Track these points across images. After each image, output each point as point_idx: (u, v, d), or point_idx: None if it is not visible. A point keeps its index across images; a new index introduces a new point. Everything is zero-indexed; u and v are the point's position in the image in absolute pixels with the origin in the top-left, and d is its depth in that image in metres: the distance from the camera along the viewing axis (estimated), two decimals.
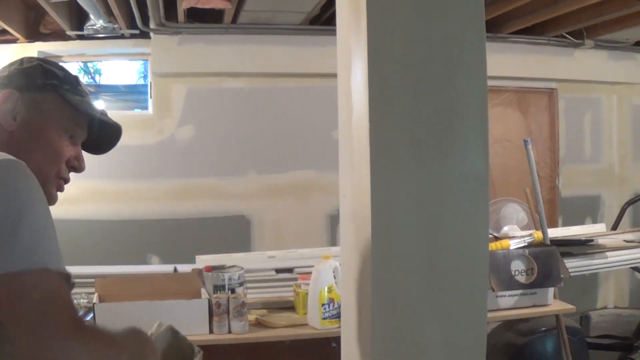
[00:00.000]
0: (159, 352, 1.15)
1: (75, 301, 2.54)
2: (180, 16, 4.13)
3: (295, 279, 2.82)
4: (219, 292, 2.54)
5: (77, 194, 3.95)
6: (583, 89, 5.22)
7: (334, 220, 4.53)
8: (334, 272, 2.54)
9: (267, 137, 4.54)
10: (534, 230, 3.09)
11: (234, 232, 4.47)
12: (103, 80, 5.47)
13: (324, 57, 3.59)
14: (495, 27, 4.50)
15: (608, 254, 3.22)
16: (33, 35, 4.28)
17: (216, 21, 4.29)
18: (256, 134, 4.53)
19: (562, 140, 5.17)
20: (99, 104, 4.65)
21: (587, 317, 4.86)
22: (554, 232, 3.47)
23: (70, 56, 4.53)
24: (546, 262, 2.84)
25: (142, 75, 5.10)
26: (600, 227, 3.97)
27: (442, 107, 1.17)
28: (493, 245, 2.86)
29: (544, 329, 3.15)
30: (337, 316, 2.45)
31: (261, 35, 4.40)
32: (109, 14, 3.96)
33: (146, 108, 4.68)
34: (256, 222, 4.56)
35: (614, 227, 4.13)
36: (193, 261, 3.06)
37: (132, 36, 4.33)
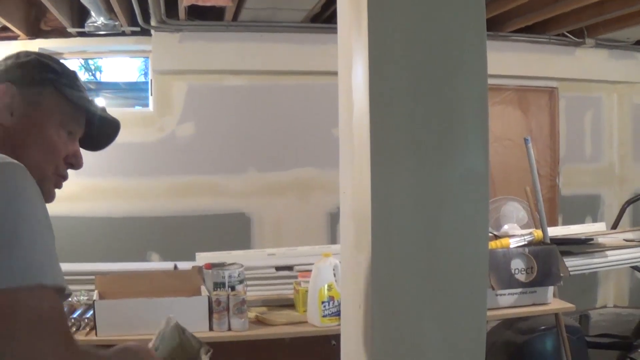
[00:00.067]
0: None
1: (75, 298, 2.54)
2: (181, 13, 4.13)
3: (295, 277, 2.82)
4: (219, 289, 2.54)
5: (78, 192, 3.95)
6: (584, 87, 5.22)
7: (334, 218, 4.53)
8: (334, 269, 2.54)
9: (268, 134, 4.54)
10: (534, 229, 3.08)
11: (234, 230, 4.48)
12: (104, 77, 5.47)
13: (325, 55, 3.59)
14: (496, 25, 4.50)
15: (608, 253, 3.22)
16: (34, 32, 4.28)
17: (217, 19, 4.29)
18: (256, 131, 4.53)
19: (562, 139, 5.18)
20: (100, 101, 4.65)
21: (587, 316, 4.85)
22: (554, 231, 3.46)
23: (71, 53, 4.53)
24: (546, 260, 2.84)
25: (143, 72, 5.10)
26: (600, 226, 3.97)
27: (442, 107, 1.18)
28: (493, 244, 2.86)
29: (543, 327, 3.14)
30: (337, 314, 2.45)
31: (262, 33, 4.40)
32: (110, 11, 3.96)
33: (147, 105, 4.68)
34: (256, 219, 4.56)
35: (614, 226, 4.13)
36: (193, 258, 3.06)
37: (133, 33, 4.33)
